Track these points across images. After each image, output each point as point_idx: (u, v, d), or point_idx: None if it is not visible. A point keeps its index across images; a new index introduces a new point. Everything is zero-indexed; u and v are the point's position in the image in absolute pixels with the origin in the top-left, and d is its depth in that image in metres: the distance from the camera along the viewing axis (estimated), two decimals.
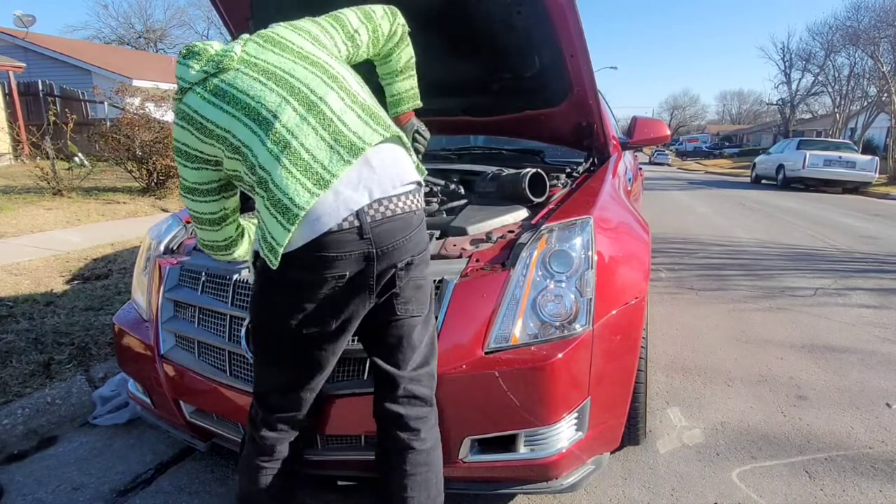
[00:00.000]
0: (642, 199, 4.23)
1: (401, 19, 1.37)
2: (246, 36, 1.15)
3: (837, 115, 24.38)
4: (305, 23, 1.21)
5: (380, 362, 1.21)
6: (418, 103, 1.51)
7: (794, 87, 31.69)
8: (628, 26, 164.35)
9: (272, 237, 1.03)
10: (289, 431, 1.26)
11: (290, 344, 1.15)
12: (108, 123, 8.03)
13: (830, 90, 26.36)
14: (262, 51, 1.11)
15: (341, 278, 1.07)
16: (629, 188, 2.76)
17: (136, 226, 5.58)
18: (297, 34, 1.17)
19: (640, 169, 4.74)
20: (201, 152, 1.12)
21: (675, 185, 15.31)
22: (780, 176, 14.15)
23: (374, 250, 1.08)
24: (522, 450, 1.35)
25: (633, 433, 1.76)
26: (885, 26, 19.50)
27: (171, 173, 7.28)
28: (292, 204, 1.01)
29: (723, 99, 73.96)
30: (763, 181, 15.87)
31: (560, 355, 1.27)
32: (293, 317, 1.10)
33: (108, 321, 2.82)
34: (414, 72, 1.47)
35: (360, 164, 1.07)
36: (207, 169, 1.15)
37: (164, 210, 6.60)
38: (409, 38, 1.41)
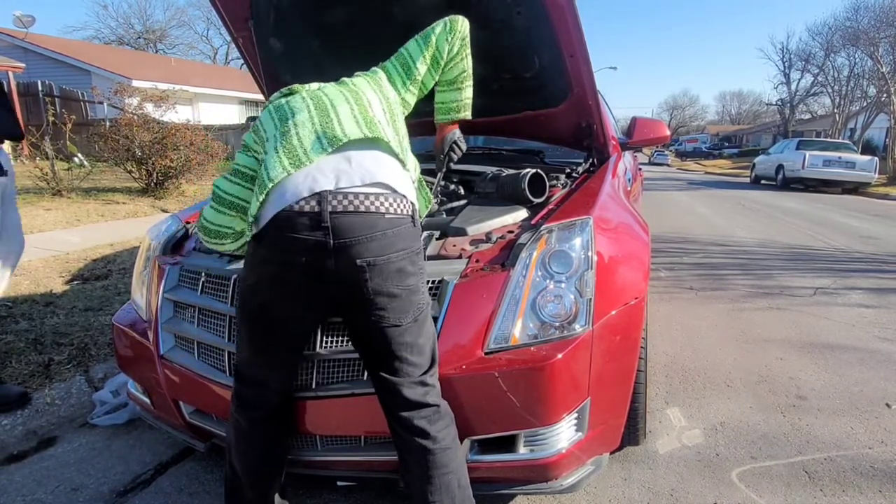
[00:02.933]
0: (642, 199, 4.23)
1: (461, 31, 1.45)
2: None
3: (837, 115, 24.40)
4: (375, 69, 1.44)
5: (377, 372, 1.23)
6: (462, 116, 1.55)
7: (793, 87, 31.77)
8: (628, 27, 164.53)
9: (251, 209, 1.17)
10: (262, 410, 1.29)
11: (252, 319, 1.24)
12: (108, 124, 8.01)
13: (830, 90, 26.38)
14: (329, 85, 1.33)
15: (297, 265, 1.13)
16: (629, 188, 2.76)
17: (136, 226, 5.58)
18: (360, 78, 1.38)
19: (640, 169, 4.74)
20: (251, 148, 1.31)
21: (675, 186, 15.32)
22: (780, 176, 14.18)
23: (331, 241, 1.11)
24: (522, 450, 1.35)
25: (632, 433, 1.76)
26: (885, 26, 19.52)
27: (170, 174, 7.28)
28: (267, 177, 1.15)
29: (722, 99, 74.18)
30: (762, 181, 15.89)
31: (560, 356, 1.27)
32: (255, 292, 1.21)
33: (108, 321, 2.82)
34: (465, 84, 1.53)
35: (338, 156, 1.18)
36: (256, 159, 1.31)
37: (164, 210, 6.60)
38: (466, 51, 1.49)
